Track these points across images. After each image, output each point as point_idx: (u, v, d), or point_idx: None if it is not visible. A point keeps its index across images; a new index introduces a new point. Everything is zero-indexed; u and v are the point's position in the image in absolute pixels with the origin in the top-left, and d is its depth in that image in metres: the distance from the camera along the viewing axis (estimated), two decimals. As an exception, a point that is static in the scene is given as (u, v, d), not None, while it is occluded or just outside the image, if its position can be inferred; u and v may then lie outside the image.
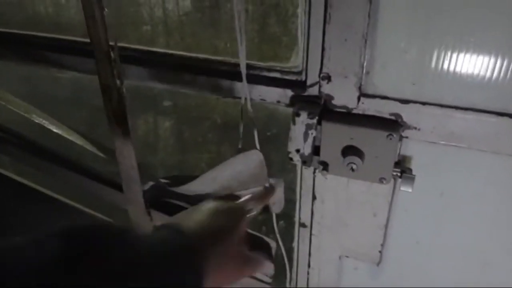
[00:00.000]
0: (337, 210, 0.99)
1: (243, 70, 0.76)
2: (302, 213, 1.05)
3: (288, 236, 1.23)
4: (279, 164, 1.12)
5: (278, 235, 0.95)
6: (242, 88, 0.78)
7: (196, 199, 0.86)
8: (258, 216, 0.88)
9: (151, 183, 0.85)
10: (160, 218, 0.89)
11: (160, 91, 1.06)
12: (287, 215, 1.21)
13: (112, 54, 0.66)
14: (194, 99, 1.12)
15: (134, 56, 1.03)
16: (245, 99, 0.78)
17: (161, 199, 0.88)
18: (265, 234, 0.92)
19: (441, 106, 0.76)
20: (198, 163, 1.31)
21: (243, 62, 0.77)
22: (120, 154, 0.80)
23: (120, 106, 0.74)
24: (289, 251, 1.21)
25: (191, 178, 0.86)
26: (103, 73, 0.67)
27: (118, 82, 0.72)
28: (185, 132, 1.26)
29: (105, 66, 0.66)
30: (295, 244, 1.17)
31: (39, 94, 1.38)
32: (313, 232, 1.06)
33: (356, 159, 0.81)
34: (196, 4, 1.03)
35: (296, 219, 1.11)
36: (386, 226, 0.96)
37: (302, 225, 1.07)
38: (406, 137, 0.81)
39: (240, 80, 0.85)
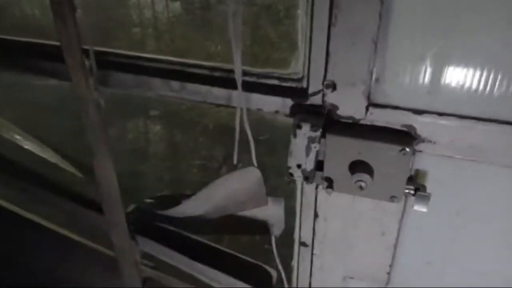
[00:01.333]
0: (341, 228, 0.90)
1: (238, 77, 0.67)
2: (303, 231, 0.97)
3: (286, 253, 1.15)
4: (275, 171, 1.03)
5: (277, 259, 0.86)
6: (237, 97, 0.70)
7: (187, 222, 0.77)
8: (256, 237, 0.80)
9: (134, 205, 0.76)
10: (146, 244, 0.80)
11: (149, 98, 0.97)
12: (286, 230, 1.13)
13: (87, 61, 0.57)
14: (185, 104, 1.03)
15: (121, 62, 0.93)
16: (241, 109, 0.70)
17: (147, 223, 0.79)
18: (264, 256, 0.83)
19: (460, 117, 0.68)
20: (189, 169, 1.21)
21: (238, 68, 0.68)
22: (99, 173, 0.70)
23: (98, 119, 0.65)
24: (288, 269, 1.12)
25: (180, 197, 0.77)
26: (77, 83, 0.58)
27: (95, 93, 0.63)
28: (175, 137, 1.17)
29: (78, 75, 0.57)
30: (294, 263, 1.08)
31: (17, 103, 1.27)
32: (314, 252, 0.97)
33: (365, 176, 0.72)
34: (186, 6, 0.95)
35: (296, 236, 1.02)
36: (395, 246, 0.88)
37: (303, 244, 0.99)
38: (420, 151, 0.74)
39: (235, 87, 0.77)
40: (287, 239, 1.13)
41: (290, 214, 0.99)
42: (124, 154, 1.14)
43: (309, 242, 0.97)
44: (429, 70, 0.67)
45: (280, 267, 0.91)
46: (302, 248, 1.00)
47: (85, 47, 0.59)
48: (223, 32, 0.86)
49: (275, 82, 0.82)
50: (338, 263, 0.96)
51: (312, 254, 0.98)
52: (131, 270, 0.83)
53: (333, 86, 0.73)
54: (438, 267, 0.87)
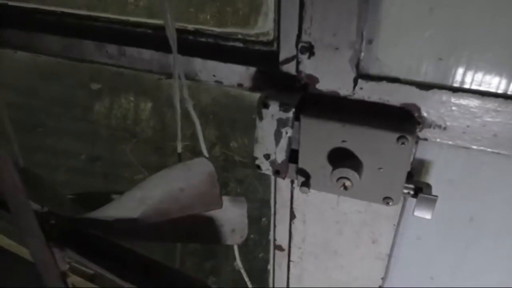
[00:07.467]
0: (323, 233, 0.73)
1: (171, 32, 0.48)
2: (278, 233, 0.79)
3: (260, 252, 0.99)
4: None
5: (243, 271, 0.70)
6: (173, 61, 0.51)
7: (119, 228, 0.59)
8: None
9: (46, 208, 0.58)
10: (71, 255, 0.62)
11: (85, 69, 0.78)
12: (259, 225, 0.96)
13: None
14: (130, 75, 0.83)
15: (42, 20, 0.74)
16: (179, 77, 0.51)
17: (70, 228, 0.61)
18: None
19: (481, 94, 0.49)
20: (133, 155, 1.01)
21: (170, 23, 0.49)
22: (-6, 165, 0.52)
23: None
24: (262, 272, 0.96)
25: (109, 195, 0.60)
26: None
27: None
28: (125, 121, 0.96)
29: None
30: (270, 267, 0.92)
31: None
32: (292, 258, 0.80)
33: (350, 173, 0.54)
34: None
35: (271, 238, 0.85)
36: (389, 256, 0.71)
37: (278, 247, 0.82)
38: (425, 139, 0.55)
39: (186, 52, 0.58)
40: (260, 237, 0.96)
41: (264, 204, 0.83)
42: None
43: (285, 246, 0.80)
44: (442, 27, 0.48)
45: (246, 278, 0.75)
46: (277, 252, 0.83)
47: None
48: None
49: (238, 44, 0.63)
50: (320, 274, 0.79)
51: (289, 260, 0.81)
52: (57, 283, 0.66)
53: (310, 50, 0.54)
54: (442, 284, 0.70)
